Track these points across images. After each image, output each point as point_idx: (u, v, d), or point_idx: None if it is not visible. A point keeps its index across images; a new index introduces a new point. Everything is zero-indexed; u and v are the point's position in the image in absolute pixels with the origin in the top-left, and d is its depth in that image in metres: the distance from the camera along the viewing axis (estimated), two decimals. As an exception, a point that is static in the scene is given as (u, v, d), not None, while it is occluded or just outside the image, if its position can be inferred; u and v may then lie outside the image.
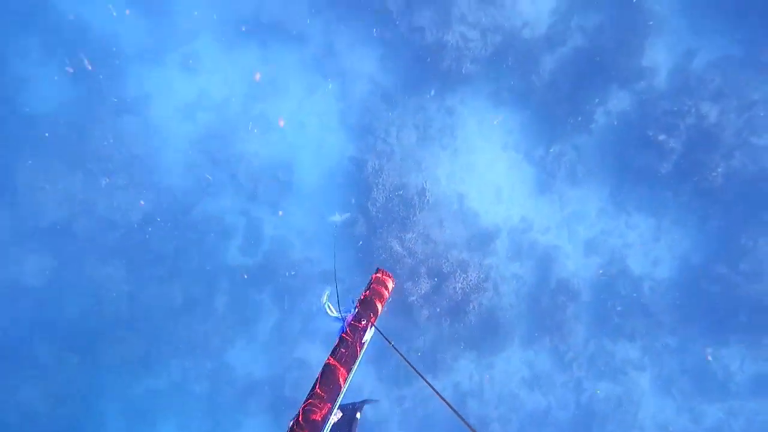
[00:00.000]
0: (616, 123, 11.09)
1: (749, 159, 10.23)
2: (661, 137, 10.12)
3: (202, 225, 12.19)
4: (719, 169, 10.20)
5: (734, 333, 10.90)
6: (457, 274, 10.74)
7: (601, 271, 11.46)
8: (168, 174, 12.31)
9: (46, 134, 11.93)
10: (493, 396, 11.82)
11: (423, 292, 10.65)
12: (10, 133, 12.06)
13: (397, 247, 10.55)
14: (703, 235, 11.23)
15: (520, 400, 11.80)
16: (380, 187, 11.03)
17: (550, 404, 11.88)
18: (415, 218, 10.77)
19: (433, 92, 11.49)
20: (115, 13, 12.61)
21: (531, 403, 11.87)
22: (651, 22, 10.76)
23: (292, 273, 11.92)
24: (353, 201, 11.47)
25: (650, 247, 11.50)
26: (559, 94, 11.07)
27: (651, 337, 11.36)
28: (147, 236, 11.85)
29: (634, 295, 11.28)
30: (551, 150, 11.41)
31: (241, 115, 12.58)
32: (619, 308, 11.29)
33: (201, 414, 11.97)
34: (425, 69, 11.35)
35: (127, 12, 12.82)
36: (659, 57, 11.03)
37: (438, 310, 10.89)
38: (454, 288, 10.73)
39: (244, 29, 12.57)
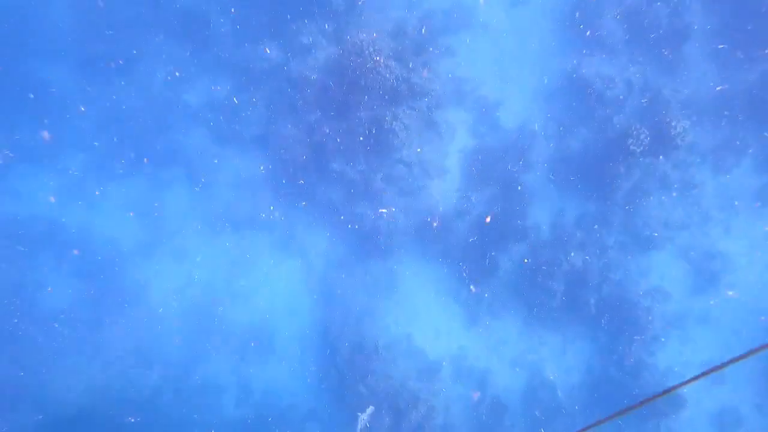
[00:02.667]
0: (517, 267, 14.56)
1: (614, 290, 13.82)
2: (548, 282, 13.63)
3: (202, 388, 14.82)
4: (592, 300, 13.71)
5: (633, 419, 13.98)
6: (413, 401, 13.62)
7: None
8: (169, 346, 15.04)
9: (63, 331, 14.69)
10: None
11: (387, 422, 13.41)
12: (32, 333, 14.77)
13: (363, 389, 13.41)
14: (597, 345, 14.52)
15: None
16: (343, 340, 14.07)
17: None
18: (373, 363, 13.74)
19: (374, 258, 14.84)
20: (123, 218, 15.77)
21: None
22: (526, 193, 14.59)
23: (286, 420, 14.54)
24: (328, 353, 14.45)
25: (561, 358, 14.68)
26: (471, 249, 14.55)
27: (561, 422, 14.30)
28: (160, 404, 14.39)
29: (553, 398, 14.30)
30: (472, 292, 14.73)
31: (225, 290, 15.60)
32: (544, 413, 14.25)
33: None
34: (366, 243, 14.75)
35: (131, 214, 15.98)
36: (539, 217, 14.76)
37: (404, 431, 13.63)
38: (415, 412, 13.55)
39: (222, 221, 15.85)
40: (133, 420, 13.82)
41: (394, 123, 12.75)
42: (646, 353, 14.37)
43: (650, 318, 14.11)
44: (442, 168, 14.86)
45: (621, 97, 14.93)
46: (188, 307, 15.44)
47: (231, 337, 15.28)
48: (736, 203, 14.92)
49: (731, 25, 14.95)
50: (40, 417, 13.99)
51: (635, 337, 13.92)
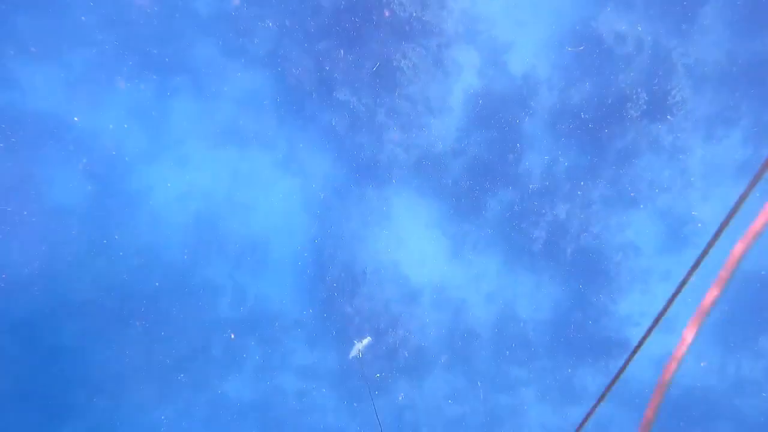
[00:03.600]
0: (504, 211, 15.40)
1: (591, 242, 14.79)
2: (531, 229, 14.53)
3: (198, 289, 15.96)
4: (569, 249, 14.72)
5: (588, 357, 15.52)
6: (394, 323, 14.95)
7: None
8: (170, 252, 15.97)
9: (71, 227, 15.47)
10: (422, 407, 16.13)
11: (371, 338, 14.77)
12: (41, 225, 15.54)
13: (348, 309, 14.63)
14: (567, 290, 15.75)
15: (442, 410, 16.15)
16: (334, 260, 15.10)
17: (465, 412, 16.27)
18: (360, 285, 14.87)
19: (371, 187, 15.54)
20: (126, 125, 16.07)
21: (450, 411, 16.23)
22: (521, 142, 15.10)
23: (275, 324, 15.86)
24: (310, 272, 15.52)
25: (533, 297, 15.94)
26: (463, 189, 15.28)
27: (533, 362, 15.85)
28: (159, 302, 15.56)
29: (521, 332, 15.72)
30: (461, 228, 15.64)
31: (225, 202, 16.32)
32: (512, 343, 15.71)
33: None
34: (366, 170, 15.36)
35: (126, 126, 16.26)
36: (533, 164, 15.38)
37: (383, 348, 15.08)
38: (394, 333, 14.92)
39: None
40: (138, 324, 15.00)
41: (402, 61, 12.94)
42: (609, 301, 15.66)
43: (619, 270, 15.25)
44: (444, 106, 15.20)
45: (630, 54, 15.07)
46: (189, 214, 16.19)
47: (229, 245, 16.20)
48: (716, 173, 15.65)
49: (751, -7, 14.87)
50: (48, 305, 15.12)
51: (603, 286, 15.11)
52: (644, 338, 1.85)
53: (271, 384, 16.16)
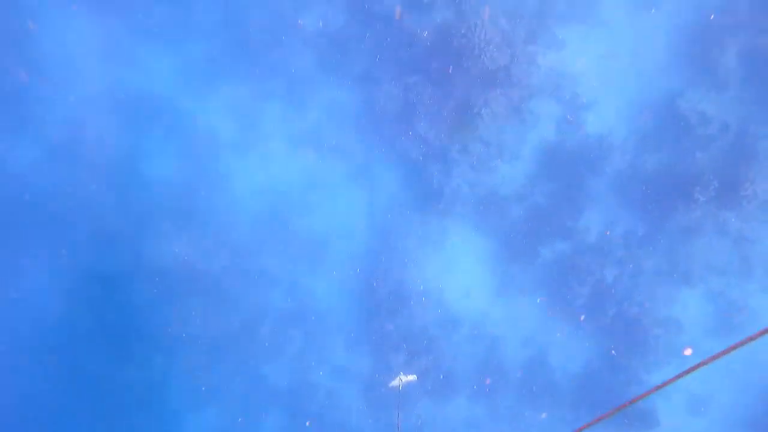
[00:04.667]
0: (554, 262, 15.93)
1: (634, 308, 15.11)
2: (577, 285, 15.00)
3: (258, 275, 17.50)
4: (611, 312, 15.08)
5: (610, 419, 15.87)
6: (430, 345, 15.89)
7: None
8: (241, 237, 17.59)
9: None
10: (441, 429, 16.98)
11: (401, 359, 15.79)
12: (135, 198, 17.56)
13: (389, 326, 15.68)
14: (602, 349, 16.08)
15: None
16: (385, 275, 16.21)
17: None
18: (404, 304, 15.89)
19: (432, 214, 16.47)
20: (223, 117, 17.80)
21: (467, 439, 17.00)
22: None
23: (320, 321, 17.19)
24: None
25: (567, 348, 16.39)
26: (519, 233, 15.93)
27: (555, 410, 16.32)
28: (221, 281, 17.24)
29: (549, 379, 16.24)
30: (510, 269, 16.31)
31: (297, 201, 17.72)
32: (537, 388, 16.26)
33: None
34: (430, 199, 16.31)
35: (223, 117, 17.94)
36: (591, 222, 15.80)
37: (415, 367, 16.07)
38: (427, 355, 15.87)
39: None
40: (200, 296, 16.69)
41: (483, 108, 13.75)
42: (643, 370, 15.87)
43: (657, 343, 15.43)
44: (516, 153, 15.86)
45: (711, 135, 15.13)
46: (264, 206, 17.73)
47: (293, 241, 17.59)
48: (782, 266, 15.44)
49: None
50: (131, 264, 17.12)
51: (637, 354, 15.36)
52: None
53: (305, 376, 17.47)
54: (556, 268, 15.85)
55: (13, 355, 17.60)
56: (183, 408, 17.99)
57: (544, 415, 16.14)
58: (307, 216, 17.65)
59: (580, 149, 15.95)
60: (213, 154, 17.90)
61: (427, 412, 16.61)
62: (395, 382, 13.54)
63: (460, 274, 16.39)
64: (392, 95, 15.31)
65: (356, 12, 16.59)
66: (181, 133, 17.90)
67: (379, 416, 16.97)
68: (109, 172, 17.77)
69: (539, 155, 15.95)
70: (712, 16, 15.42)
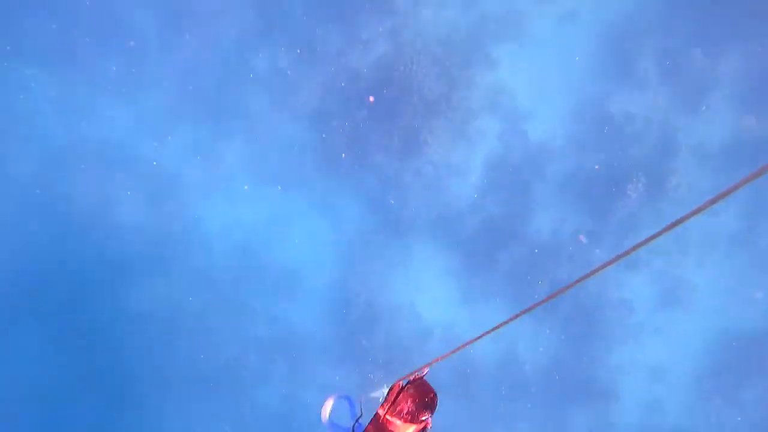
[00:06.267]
0: (512, 266, 17.25)
1: (588, 297, 16.57)
2: (534, 284, 16.37)
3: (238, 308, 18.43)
4: (568, 304, 16.53)
5: (579, 399, 17.40)
6: (406, 356, 17.09)
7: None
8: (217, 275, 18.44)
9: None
10: None
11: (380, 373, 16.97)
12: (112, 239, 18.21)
13: (365, 342, 16.83)
14: (565, 339, 17.54)
15: (444, 434, 18.25)
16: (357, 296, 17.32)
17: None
18: (378, 321, 17.04)
19: (394, 236, 17.59)
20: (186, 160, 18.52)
21: (452, 435, 18.34)
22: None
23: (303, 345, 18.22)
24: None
25: (533, 342, 17.80)
26: (476, 244, 17.19)
27: (528, 399, 17.76)
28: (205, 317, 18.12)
29: (520, 371, 17.65)
30: (472, 278, 17.58)
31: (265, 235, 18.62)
32: (510, 381, 17.66)
33: None
34: (391, 222, 17.42)
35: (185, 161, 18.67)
36: (542, 224, 17.14)
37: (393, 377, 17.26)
38: (403, 365, 17.06)
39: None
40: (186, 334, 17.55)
41: (429, 136, 14.87)
42: (604, 350, 17.40)
43: (613, 325, 16.96)
44: (466, 169, 17.04)
45: (638, 133, 16.56)
46: (235, 242, 18.58)
47: (267, 273, 18.53)
48: (711, 243, 17.09)
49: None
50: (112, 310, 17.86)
51: (597, 338, 16.87)
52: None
53: (296, 397, 18.54)
54: (514, 271, 17.17)
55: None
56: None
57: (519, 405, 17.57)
58: (277, 249, 18.59)
59: (524, 159, 17.21)
60: (180, 197, 18.64)
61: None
62: (376, 394, 14.70)
63: (427, 287, 17.59)
64: (344, 130, 16.29)
65: (303, 50, 17.46)
66: (146, 179, 18.58)
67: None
68: (81, 223, 18.38)
69: (487, 169, 17.16)
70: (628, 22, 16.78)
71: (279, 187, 18.40)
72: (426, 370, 3.02)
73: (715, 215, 17.05)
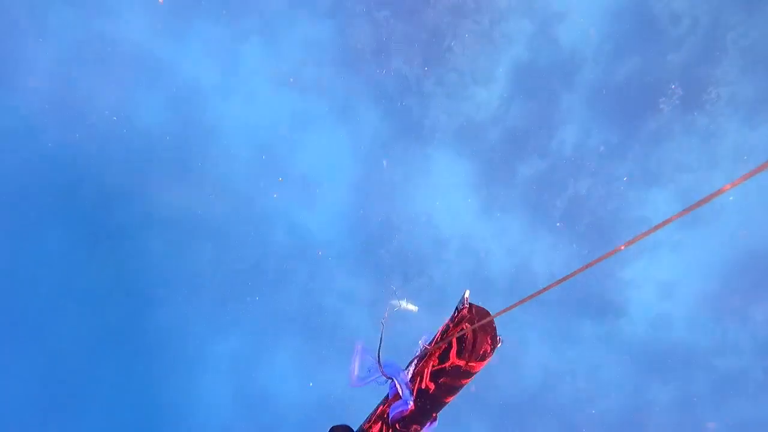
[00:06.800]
0: (532, 179, 16.93)
1: (606, 215, 16.32)
2: (554, 199, 16.12)
3: (258, 215, 18.67)
4: (585, 220, 16.33)
5: (589, 311, 17.74)
6: (422, 266, 17.39)
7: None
8: (237, 182, 18.51)
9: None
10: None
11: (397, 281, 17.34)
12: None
13: (383, 252, 17.06)
14: (579, 253, 17.54)
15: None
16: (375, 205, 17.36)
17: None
18: (395, 231, 17.17)
19: (414, 144, 17.23)
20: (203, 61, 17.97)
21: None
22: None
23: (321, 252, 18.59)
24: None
25: (548, 256, 17.86)
26: (497, 155, 16.79)
27: (540, 308, 18.15)
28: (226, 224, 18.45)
29: (533, 283, 17.88)
30: (492, 189, 17.38)
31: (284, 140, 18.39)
32: (524, 292, 17.95)
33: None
34: (411, 130, 16.98)
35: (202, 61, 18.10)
36: (566, 137, 16.55)
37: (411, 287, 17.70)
38: (419, 276, 17.43)
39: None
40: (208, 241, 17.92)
41: (453, 41, 14.02)
42: (618, 267, 17.42)
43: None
44: (491, 77, 16.25)
45: (681, 36, 15.37)
46: (254, 148, 18.44)
47: (286, 176, 18.50)
48: (745, 157, 16.35)
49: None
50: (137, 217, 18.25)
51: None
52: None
53: (314, 301, 19.20)
54: (534, 184, 16.87)
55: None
56: (208, 337, 19.99)
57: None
58: (296, 155, 18.42)
59: (553, 66, 16.29)
60: (199, 101, 18.30)
61: (426, 323, 18.44)
62: (396, 304, 15.05)
63: (445, 198, 17.46)
64: (364, 31, 15.46)
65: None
66: (164, 82, 18.20)
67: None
68: (100, 128, 18.30)
69: (513, 76, 16.34)
70: None
71: (298, 91, 17.90)
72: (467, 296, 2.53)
73: (752, 128, 16.23)
